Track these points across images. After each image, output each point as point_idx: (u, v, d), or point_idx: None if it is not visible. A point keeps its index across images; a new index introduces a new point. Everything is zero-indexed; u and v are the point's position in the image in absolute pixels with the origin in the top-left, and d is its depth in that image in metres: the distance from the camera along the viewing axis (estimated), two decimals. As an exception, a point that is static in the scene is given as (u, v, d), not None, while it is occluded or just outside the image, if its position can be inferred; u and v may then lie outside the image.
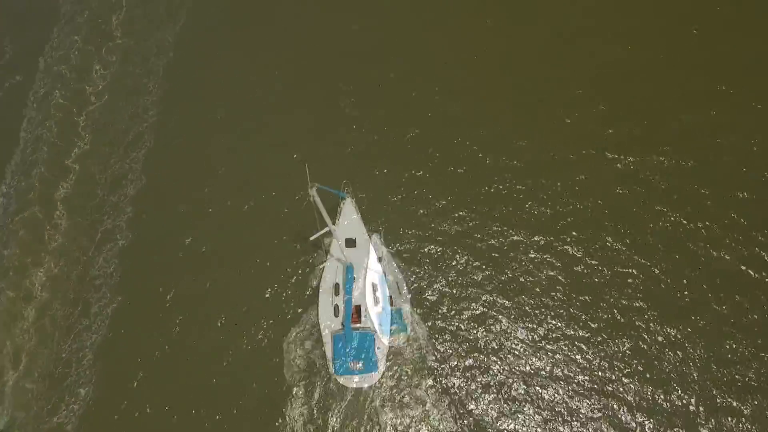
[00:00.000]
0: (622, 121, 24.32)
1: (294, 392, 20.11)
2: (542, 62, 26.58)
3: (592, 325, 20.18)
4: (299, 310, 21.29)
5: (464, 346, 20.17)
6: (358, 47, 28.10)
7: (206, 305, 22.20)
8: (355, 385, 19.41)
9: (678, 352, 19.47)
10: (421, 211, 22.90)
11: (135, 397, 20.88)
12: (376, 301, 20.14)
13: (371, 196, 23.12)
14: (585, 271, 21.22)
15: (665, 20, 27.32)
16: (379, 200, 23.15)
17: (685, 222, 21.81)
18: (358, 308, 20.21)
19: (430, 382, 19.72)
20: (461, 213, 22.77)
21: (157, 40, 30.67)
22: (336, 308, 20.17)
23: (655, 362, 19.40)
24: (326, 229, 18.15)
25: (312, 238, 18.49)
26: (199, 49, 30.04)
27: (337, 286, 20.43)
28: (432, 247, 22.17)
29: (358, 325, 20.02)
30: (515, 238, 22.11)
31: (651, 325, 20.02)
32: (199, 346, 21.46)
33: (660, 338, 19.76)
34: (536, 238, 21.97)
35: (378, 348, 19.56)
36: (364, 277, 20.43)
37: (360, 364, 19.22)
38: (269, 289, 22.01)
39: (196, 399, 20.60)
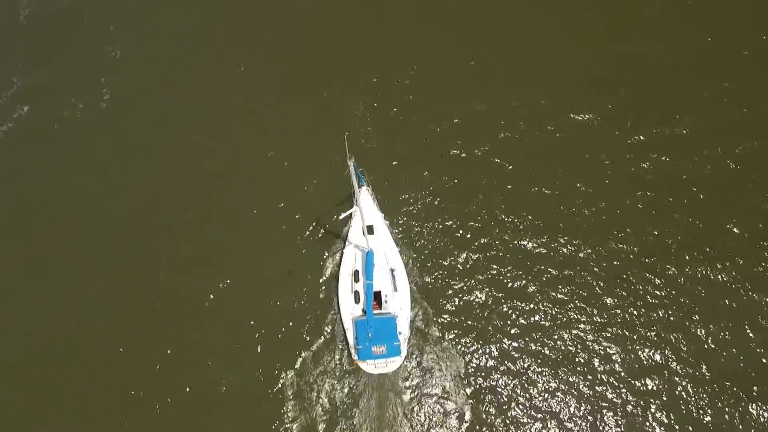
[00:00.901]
0: (638, 124, 24.90)
1: (314, 384, 19.83)
2: (545, 64, 27.37)
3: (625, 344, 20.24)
4: (321, 296, 21.41)
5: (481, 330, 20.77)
6: (356, 49, 28.79)
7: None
8: (377, 370, 19.29)
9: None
10: (436, 222, 23.19)
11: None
12: (396, 287, 20.50)
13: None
14: (614, 287, 21.33)
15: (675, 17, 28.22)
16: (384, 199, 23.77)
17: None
18: (378, 294, 20.43)
19: (449, 368, 20.03)
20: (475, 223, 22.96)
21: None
22: (356, 294, 20.27)
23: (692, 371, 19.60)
24: (354, 208, 18.75)
25: (341, 217, 19.00)
26: (194, 49, 30.27)
27: (356, 272, 20.61)
28: (450, 258, 22.29)
29: (379, 311, 20.19)
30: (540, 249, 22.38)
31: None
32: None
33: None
34: (560, 250, 22.18)
35: (399, 332, 19.70)
36: (384, 264, 20.80)
37: (383, 349, 19.20)
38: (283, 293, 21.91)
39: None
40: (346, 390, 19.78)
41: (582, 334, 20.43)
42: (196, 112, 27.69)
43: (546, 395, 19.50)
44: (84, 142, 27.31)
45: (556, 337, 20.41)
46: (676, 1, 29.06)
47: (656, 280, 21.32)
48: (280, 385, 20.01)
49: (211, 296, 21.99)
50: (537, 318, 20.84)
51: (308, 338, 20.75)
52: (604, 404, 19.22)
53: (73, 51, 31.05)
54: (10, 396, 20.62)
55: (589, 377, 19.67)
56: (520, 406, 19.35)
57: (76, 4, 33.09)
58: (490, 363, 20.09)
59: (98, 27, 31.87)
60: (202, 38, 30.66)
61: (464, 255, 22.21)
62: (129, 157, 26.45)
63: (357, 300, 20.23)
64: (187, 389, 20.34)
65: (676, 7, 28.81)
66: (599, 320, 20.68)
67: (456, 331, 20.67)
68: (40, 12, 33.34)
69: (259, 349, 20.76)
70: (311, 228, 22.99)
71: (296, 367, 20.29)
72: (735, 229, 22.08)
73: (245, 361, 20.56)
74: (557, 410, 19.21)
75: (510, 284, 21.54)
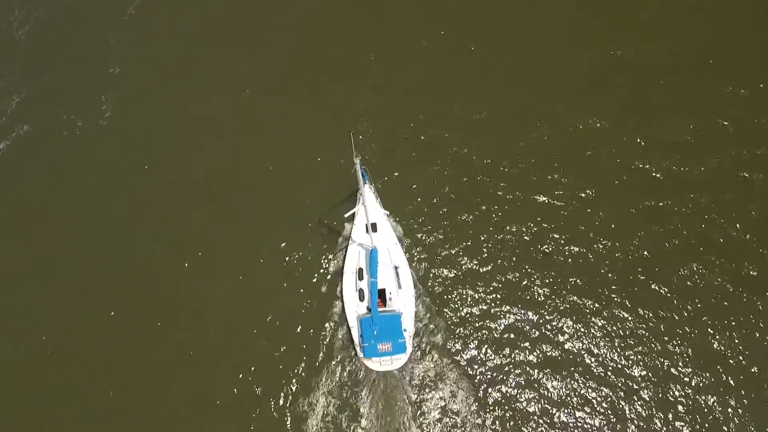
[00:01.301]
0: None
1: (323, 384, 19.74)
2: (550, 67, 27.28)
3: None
4: (324, 294, 21.27)
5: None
6: (357, 49, 28.76)
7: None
8: (383, 368, 19.20)
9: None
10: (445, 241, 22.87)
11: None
12: (400, 285, 20.46)
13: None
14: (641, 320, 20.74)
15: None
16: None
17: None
18: (382, 292, 20.37)
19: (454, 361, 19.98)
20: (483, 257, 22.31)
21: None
22: (361, 292, 20.21)
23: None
24: (359, 206, 18.75)
25: (346, 215, 19.04)
26: (194, 49, 30.26)
27: (360, 270, 20.57)
28: (454, 265, 22.00)
29: (383, 308, 20.13)
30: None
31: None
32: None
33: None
34: (566, 260, 21.95)
35: (404, 329, 19.64)
36: (387, 261, 20.74)
37: (388, 346, 19.15)
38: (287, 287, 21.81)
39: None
40: (349, 391, 19.62)
41: (588, 342, 20.25)
42: (197, 112, 27.63)
43: (555, 405, 19.23)
44: (84, 143, 27.26)
45: (563, 348, 20.20)
46: (677, 2, 29.21)
47: (661, 287, 21.10)
48: (281, 387, 19.83)
49: (212, 297, 21.84)
50: (543, 327, 20.60)
51: (311, 337, 20.59)
52: (609, 410, 19.09)
53: (74, 52, 31.03)
54: (10, 396, 20.37)
55: (592, 382, 19.53)
56: (526, 413, 19.16)
57: (76, 5, 33.09)
58: (496, 374, 19.82)
59: (98, 27, 31.87)
60: (202, 38, 30.71)
61: (469, 262, 22.00)
62: (129, 158, 26.38)
63: (361, 298, 20.16)
64: (189, 391, 20.15)
65: (676, 8, 28.95)
66: (607, 328, 20.48)
67: (460, 340, 20.46)
68: (39, 13, 33.32)
69: (261, 350, 20.59)
70: (314, 227, 22.90)
71: (299, 367, 20.12)
72: (739, 235, 21.94)
73: (246, 362, 20.40)
74: (565, 419, 19.00)
75: (514, 291, 21.36)
